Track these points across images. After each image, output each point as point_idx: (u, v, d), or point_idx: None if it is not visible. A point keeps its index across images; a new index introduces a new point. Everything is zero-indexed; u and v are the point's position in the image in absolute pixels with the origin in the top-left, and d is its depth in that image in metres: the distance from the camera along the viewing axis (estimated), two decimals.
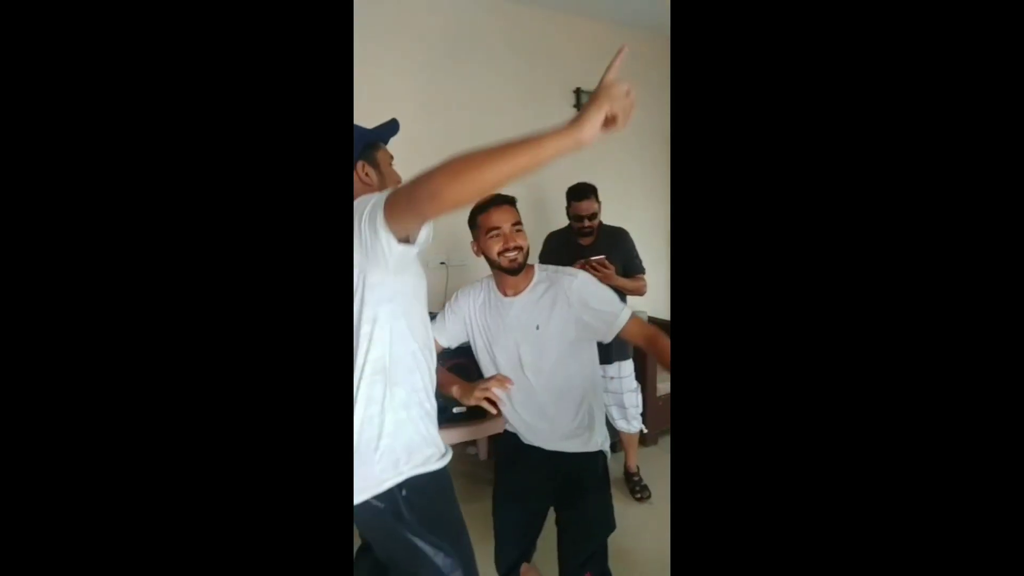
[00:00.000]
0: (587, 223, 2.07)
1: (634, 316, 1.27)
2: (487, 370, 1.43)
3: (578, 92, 3.10)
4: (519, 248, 1.27)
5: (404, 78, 2.58)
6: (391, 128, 1.11)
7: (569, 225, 2.16)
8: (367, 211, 0.82)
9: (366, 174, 1.04)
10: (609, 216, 2.23)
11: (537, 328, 1.29)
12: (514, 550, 1.35)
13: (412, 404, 0.97)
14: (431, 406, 1.03)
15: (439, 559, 0.95)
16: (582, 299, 1.27)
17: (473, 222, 1.30)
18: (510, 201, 1.29)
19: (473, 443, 2.57)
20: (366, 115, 2.05)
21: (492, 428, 2.25)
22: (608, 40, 3.20)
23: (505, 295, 1.34)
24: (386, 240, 0.80)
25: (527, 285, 1.33)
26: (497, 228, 1.26)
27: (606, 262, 1.94)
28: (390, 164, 1.10)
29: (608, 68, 0.71)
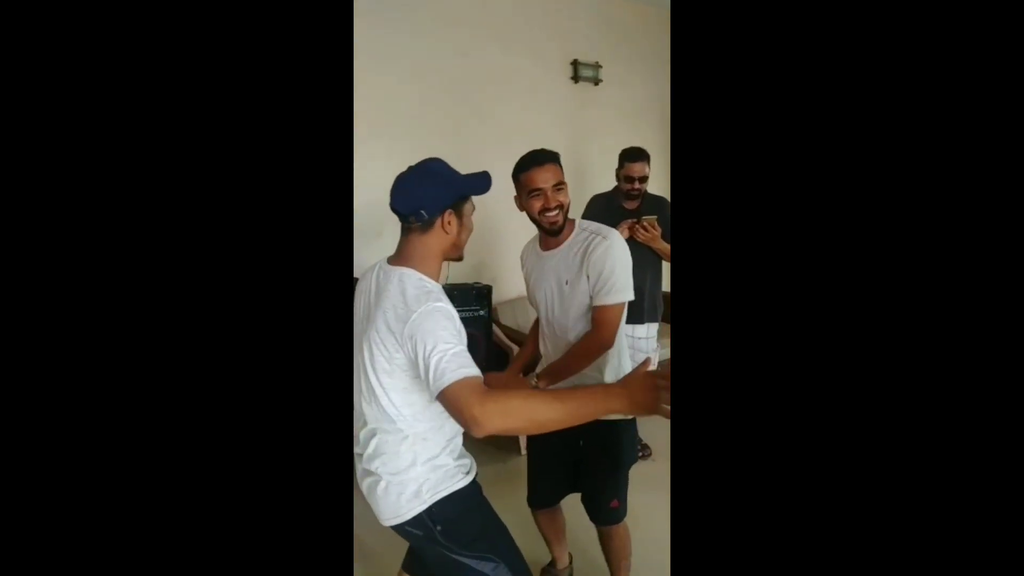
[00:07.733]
0: (638, 184, 2.09)
1: (618, 307, 1.25)
2: (542, 318, 1.45)
3: (575, 64, 3.01)
4: (560, 206, 1.26)
5: (402, 49, 2.51)
6: (486, 183, 1.05)
7: (615, 188, 2.18)
8: (441, 366, 0.84)
9: (448, 223, 1.00)
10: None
11: (566, 283, 1.30)
12: (545, 489, 1.49)
13: (442, 454, 1.02)
14: (457, 445, 1.06)
15: (485, 567, 1.01)
16: (600, 258, 1.25)
17: (516, 179, 1.29)
18: (553, 159, 1.26)
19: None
20: (364, 89, 1.99)
21: None
22: (605, 11, 3.09)
23: (546, 249, 1.36)
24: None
25: (565, 240, 1.32)
26: (539, 189, 1.25)
27: (656, 223, 1.99)
28: (471, 215, 1.07)
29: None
